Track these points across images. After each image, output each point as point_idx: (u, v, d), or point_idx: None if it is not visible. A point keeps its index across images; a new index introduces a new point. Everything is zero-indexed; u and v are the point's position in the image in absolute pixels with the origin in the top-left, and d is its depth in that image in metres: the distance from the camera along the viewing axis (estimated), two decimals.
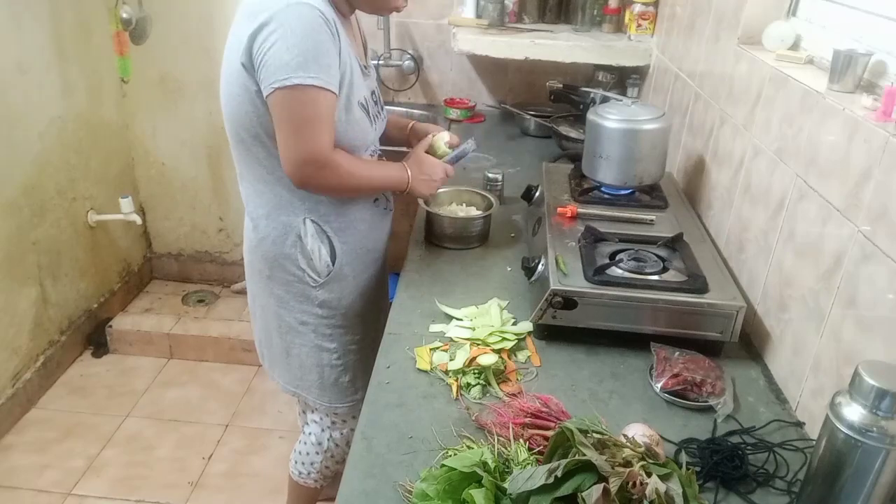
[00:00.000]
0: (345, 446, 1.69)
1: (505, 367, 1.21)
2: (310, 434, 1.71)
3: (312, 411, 1.69)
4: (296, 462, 1.76)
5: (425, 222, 1.68)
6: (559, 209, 1.57)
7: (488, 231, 1.68)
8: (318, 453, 1.70)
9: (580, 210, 1.57)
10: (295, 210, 1.43)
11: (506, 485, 0.88)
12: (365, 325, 1.58)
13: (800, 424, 1.13)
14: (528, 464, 0.95)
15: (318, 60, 1.24)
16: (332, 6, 1.32)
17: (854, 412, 0.82)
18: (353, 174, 1.37)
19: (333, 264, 1.47)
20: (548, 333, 1.31)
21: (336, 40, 1.27)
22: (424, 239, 1.66)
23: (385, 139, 1.64)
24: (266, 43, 1.23)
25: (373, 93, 1.46)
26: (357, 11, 1.45)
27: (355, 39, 1.45)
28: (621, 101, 1.71)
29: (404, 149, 1.65)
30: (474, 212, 1.67)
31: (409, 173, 1.47)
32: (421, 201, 1.67)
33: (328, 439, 1.68)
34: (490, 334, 1.28)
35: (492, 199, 1.70)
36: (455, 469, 0.91)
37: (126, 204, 2.67)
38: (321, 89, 1.24)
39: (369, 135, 1.43)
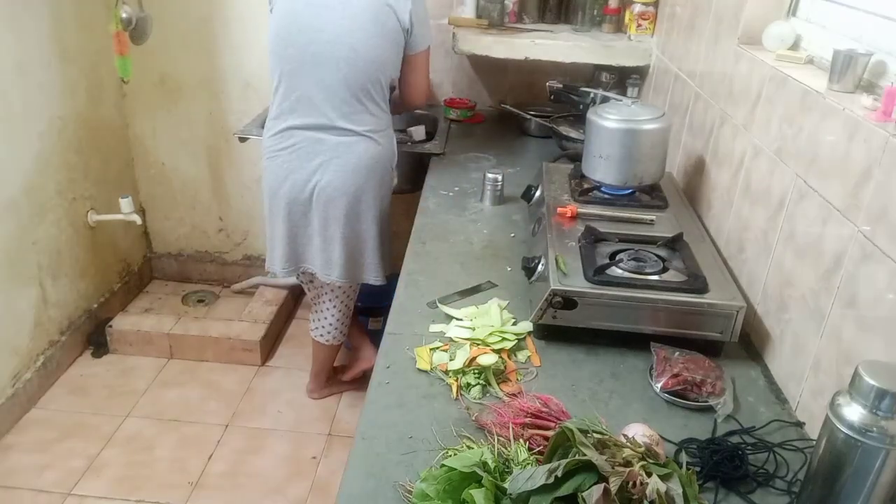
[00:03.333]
0: (349, 308, 2.32)
1: (505, 367, 1.21)
2: (334, 307, 2.27)
3: (339, 287, 2.20)
4: (327, 332, 2.31)
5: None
6: (559, 209, 1.57)
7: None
8: (342, 319, 2.30)
9: (580, 210, 1.57)
10: (390, 133, 2.03)
11: (506, 485, 0.88)
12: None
13: (800, 424, 1.13)
14: (528, 464, 0.95)
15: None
16: None
17: (854, 412, 0.82)
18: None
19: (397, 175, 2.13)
20: (548, 333, 1.31)
21: None
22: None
23: None
24: (416, 16, 1.88)
25: None
26: None
27: None
28: (621, 101, 1.71)
29: None
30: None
31: None
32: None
33: (347, 307, 2.29)
34: (490, 334, 1.28)
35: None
36: (455, 469, 0.91)
37: (126, 204, 2.67)
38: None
39: None
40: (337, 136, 1.92)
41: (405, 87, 2.02)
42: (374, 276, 2.13)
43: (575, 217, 1.55)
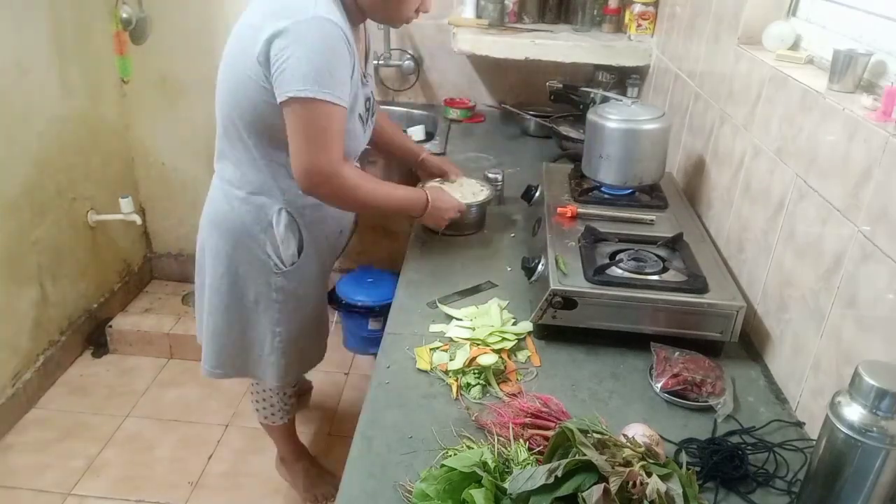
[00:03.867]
0: (287, 395, 1.91)
1: (505, 367, 1.21)
2: (257, 384, 1.88)
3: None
4: (259, 412, 1.94)
5: None
6: (559, 209, 1.57)
7: (484, 219, 1.73)
8: (271, 396, 1.89)
9: (580, 210, 1.57)
10: (274, 197, 1.51)
11: (506, 485, 0.88)
12: (311, 315, 1.70)
13: (800, 424, 1.13)
14: (528, 464, 0.95)
15: (334, 76, 1.30)
16: (345, 17, 1.35)
17: (854, 412, 0.82)
18: (361, 189, 1.43)
19: (299, 256, 1.58)
20: (548, 333, 1.31)
21: (351, 57, 1.34)
22: (423, 227, 1.69)
23: (385, 152, 1.78)
24: (286, 51, 1.28)
25: (367, 99, 1.52)
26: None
27: (359, 47, 1.46)
28: (621, 101, 1.71)
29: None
30: (471, 198, 1.70)
31: (429, 202, 1.55)
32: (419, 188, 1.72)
33: (266, 390, 1.87)
34: (490, 334, 1.28)
35: (489, 188, 1.76)
36: (455, 469, 0.91)
37: (126, 204, 2.67)
38: (335, 105, 1.31)
39: (361, 142, 1.52)
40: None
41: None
42: (206, 369, 1.73)
43: (575, 217, 1.55)
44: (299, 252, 1.57)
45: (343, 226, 1.71)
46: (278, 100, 1.31)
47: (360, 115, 1.46)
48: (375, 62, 2.62)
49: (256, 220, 1.52)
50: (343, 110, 1.34)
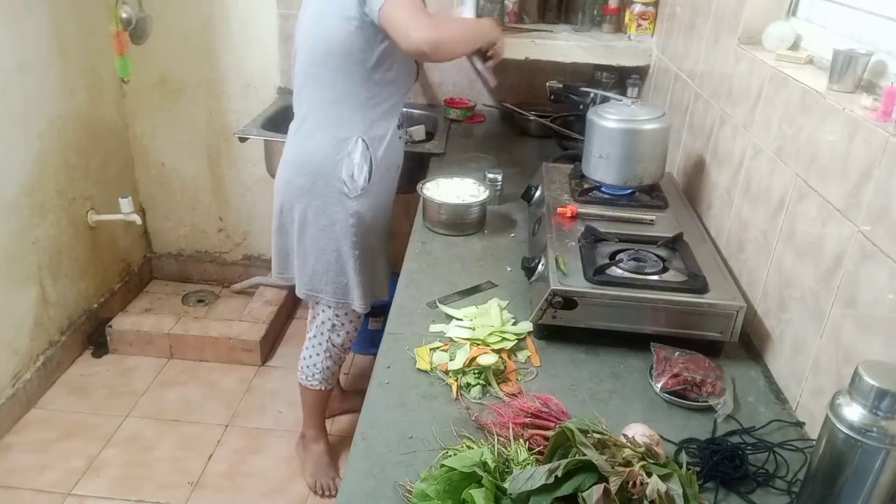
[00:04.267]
0: (341, 349, 2.01)
1: (505, 367, 1.21)
2: (313, 337, 2.01)
3: (320, 313, 1.97)
4: (302, 368, 2.05)
5: (423, 209, 1.73)
6: (559, 209, 1.57)
7: (484, 219, 1.73)
8: (318, 354, 2.01)
9: (580, 210, 1.57)
10: (353, 128, 1.74)
11: (506, 485, 0.88)
12: (383, 239, 1.91)
13: (800, 424, 1.13)
14: (528, 464, 0.95)
15: None
16: None
17: (854, 412, 0.82)
18: (454, 33, 1.68)
19: (370, 181, 1.77)
20: (548, 333, 1.31)
21: None
22: (424, 226, 1.71)
23: None
24: None
25: None
26: None
27: None
28: (621, 101, 1.71)
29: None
30: (469, 199, 1.70)
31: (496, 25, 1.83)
32: (419, 188, 1.76)
33: (327, 341, 1.98)
34: (490, 334, 1.28)
35: (489, 188, 1.78)
36: (455, 469, 0.91)
37: (126, 204, 2.67)
38: None
39: (413, 77, 1.82)
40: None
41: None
42: (329, 299, 1.91)
43: (575, 217, 1.55)
44: (370, 177, 1.77)
45: (399, 161, 1.90)
46: (374, 14, 1.56)
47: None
48: None
49: (336, 151, 1.74)
50: None
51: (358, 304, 1.89)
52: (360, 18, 1.60)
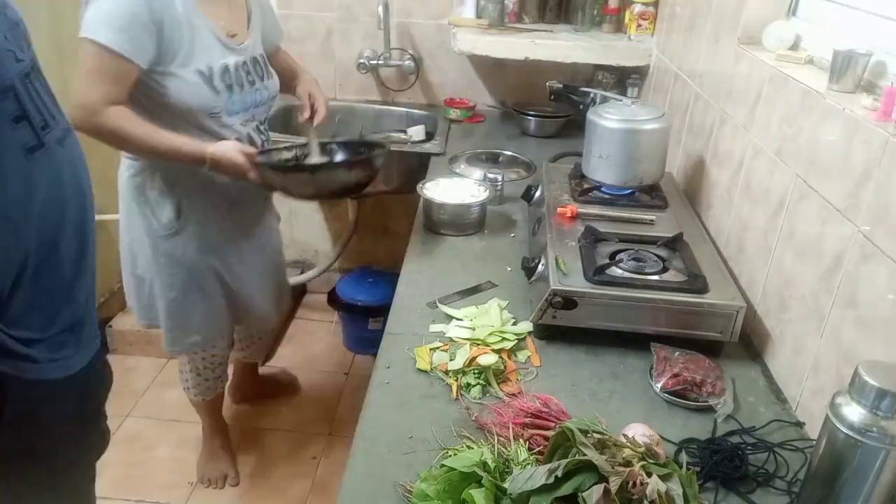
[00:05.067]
0: (200, 368, 1.98)
1: (505, 367, 1.21)
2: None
3: None
4: (182, 384, 2.06)
5: (423, 209, 1.73)
6: (559, 209, 1.57)
7: (484, 219, 1.72)
8: (183, 371, 2.02)
9: (580, 210, 1.57)
10: (148, 160, 1.63)
11: (506, 485, 0.88)
12: (203, 286, 1.76)
13: (800, 424, 1.13)
14: (528, 464, 0.95)
15: (115, 20, 1.39)
16: None
17: (854, 412, 0.82)
18: (124, 131, 1.49)
19: (178, 221, 1.66)
20: (548, 333, 1.31)
21: (161, 12, 1.43)
22: (423, 226, 1.70)
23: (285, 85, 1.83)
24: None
25: (243, 64, 1.60)
26: None
27: (227, 11, 1.60)
28: (621, 101, 1.72)
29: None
30: (469, 199, 1.70)
31: (210, 156, 1.52)
32: (419, 188, 1.74)
33: (182, 363, 1.99)
34: (490, 334, 1.28)
35: (489, 188, 1.76)
36: (455, 469, 0.91)
37: None
38: (100, 45, 1.39)
39: (210, 101, 1.54)
40: None
41: None
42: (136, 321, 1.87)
43: (575, 217, 1.55)
44: (178, 217, 1.66)
45: (235, 199, 1.72)
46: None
47: (200, 71, 1.51)
48: (375, 62, 2.62)
49: (140, 184, 1.66)
50: (117, 58, 1.40)
51: (165, 345, 1.84)
52: None
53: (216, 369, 2.02)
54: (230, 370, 2.17)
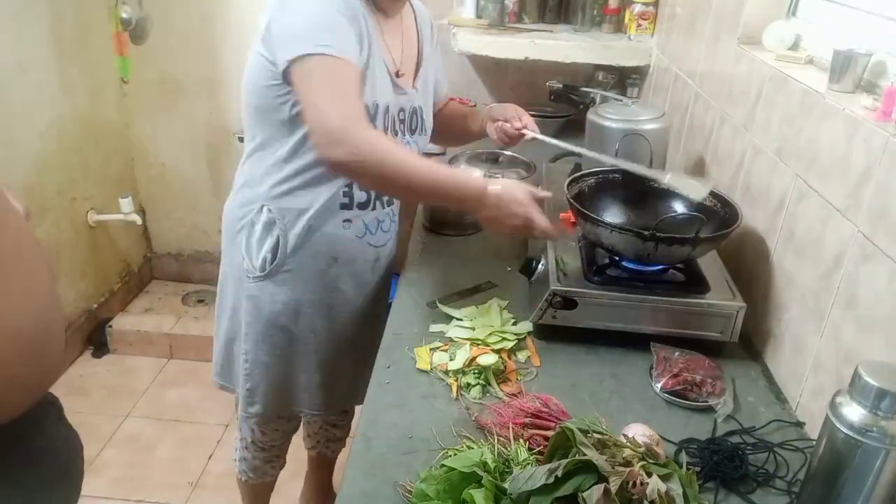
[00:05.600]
0: (251, 443, 1.69)
1: (505, 367, 1.21)
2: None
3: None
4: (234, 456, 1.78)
5: (423, 209, 1.73)
6: (561, 215, 1.55)
7: None
8: (237, 440, 1.73)
9: None
10: (258, 191, 1.38)
11: (506, 485, 0.88)
12: (293, 348, 1.47)
13: (800, 424, 1.13)
14: (528, 464, 0.95)
15: (333, 31, 1.20)
16: (371, 3, 1.30)
17: (854, 412, 0.82)
18: (382, 151, 1.17)
19: (273, 262, 1.39)
20: (548, 333, 1.31)
21: (356, 22, 1.24)
22: (423, 226, 1.70)
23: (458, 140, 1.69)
24: (277, 14, 1.22)
25: (401, 110, 1.38)
26: (416, 20, 1.45)
27: (400, 45, 1.38)
28: (621, 101, 1.72)
29: None
30: None
31: (488, 193, 1.24)
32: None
33: (239, 429, 1.69)
34: (490, 334, 1.28)
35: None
36: (455, 469, 0.91)
37: (126, 204, 2.67)
38: (337, 59, 1.18)
39: None
40: None
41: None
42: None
43: (576, 222, 1.54)
44: (273, 257, 1.39)
45: (339, 253, 1.42)
46: (279, 68, 1.22)
47: (369, 107, 1.27)
48: None
49: (242, 216, 1.41)
50: (352, 65, 1.20)
51: (239, 409, 1.58)
52: (265, 55, 1.26)
53: (267, 451, 1.71)
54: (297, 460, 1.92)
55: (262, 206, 1.38)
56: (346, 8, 1.23)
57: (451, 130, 1.61)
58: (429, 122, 1.46)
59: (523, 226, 1.26)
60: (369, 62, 1.28)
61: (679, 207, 1.39)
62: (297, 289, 1.42)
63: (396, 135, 1.38)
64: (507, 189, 1.25)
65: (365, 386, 1.21)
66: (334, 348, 1.50)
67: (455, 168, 1.39)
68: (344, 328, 1.50)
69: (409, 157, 1.24)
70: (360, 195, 1.38)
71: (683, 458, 1.03)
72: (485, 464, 0.92)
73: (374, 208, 1.41)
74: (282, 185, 1.36)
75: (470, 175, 1.37)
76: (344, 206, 1.38)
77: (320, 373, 1.51)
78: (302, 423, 1.85)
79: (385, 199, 1.43)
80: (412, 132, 1.42)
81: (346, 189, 1.37)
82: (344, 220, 1.39)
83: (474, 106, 2.65)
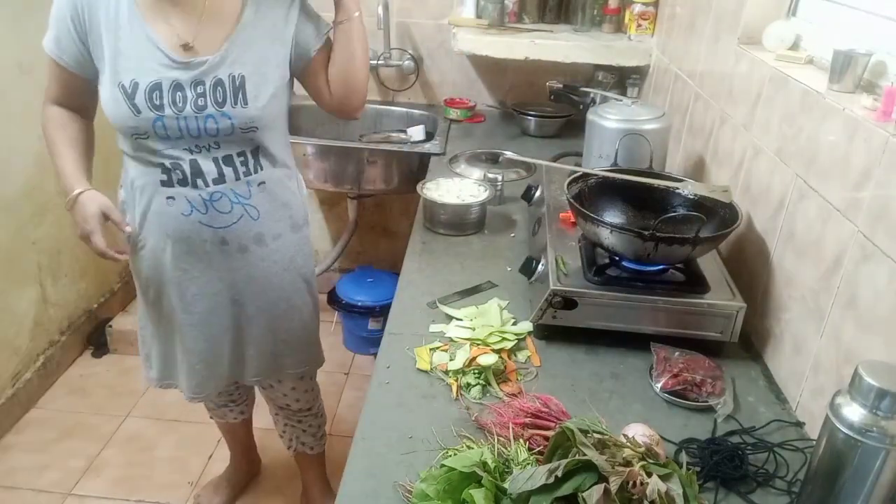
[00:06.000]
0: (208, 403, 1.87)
1: (505, 367, 1.21)
2: None
3: None
4: None
5: (423, 209, 1.73)
6: (561, 215, 1.56)
7: (484, 219, 1.72)
8: None
9: None
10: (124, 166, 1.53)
11: (506, 485, 0.88)
12: (160, 312, 1.56)
13: (800, 424, 1.13)
14: (528, 464, 0.95)
15: (54, 29, 1.34)
16: None
17: (854, 412, 0.82)
18: (45, 131, 1.47)
19: (129, 239, 1.51)
20: (548, 333, 1.31)
21: (88, 11, 1.31)
22: (423, 226, 1.70)
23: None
24: None
25: (192, 84, 1.32)
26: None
27: (191, 18, 1.33)
28: (621, 101, 1.72)
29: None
30: (469, 199, 1.69)
31: (73, 202, 1.45)
32: (420, 188, 1.72)
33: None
34: (490, 334, 1.28)
35: (489, 188, 1.75)
36: (455, 469, 0.91)
37: None
38: (46, 54, 1.37)
39: (128, 120, 1.34)
40: None
41: None
42: None
43: (576, 221, 1.55)
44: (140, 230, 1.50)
45: (170, 231, 1.45)
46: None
47: (122, 85, 1.30)
48: (374, 62, 2.62)
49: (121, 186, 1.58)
50: (50, 60, 1.37)
51: (147, 374, 1.70)
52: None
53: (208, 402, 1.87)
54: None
55: (120, 185, 1.53)
56: (71, 9, 1.31)
57: (337, 66, 1.45)
58: (253, 92, 1.35)
59: (82, 236, 1.46)
60: (120, 46, 1.32)
61: (679, 208, 1.39)
62: (151, 266, 1.51)
63: (194, 109, 1.32)
64: (83, 202, 1.43)
65: (235, 369, 1.59)
66: (194, 328, 1.54)
67: (70, 160, 1.47)
68: (190, 309, 1.52)
69: (50, 138, 1.47)
70: (176, 173, 1.39)
71: (683, 458, 1.04)
72: (485, 464, 0.92)
73: (195, 186, 1.39)
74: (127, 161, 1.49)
75: (78, 177, 1.46)
76: (164, 183, 1.41)
77: (182, 350, 1.58)
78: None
79: (211, 178, 1.39)
80: (218, 104, 1.33)
81: (162, 164, 1.39)
82: (167, 198, 1.42)
83: (473, 106, 2.65)
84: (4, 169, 2.23)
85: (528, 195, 1.78)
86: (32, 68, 2.30)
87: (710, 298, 1.25)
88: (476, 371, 1.18)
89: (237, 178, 1.41)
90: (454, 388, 1.17)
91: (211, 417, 1.98)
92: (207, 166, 1.38)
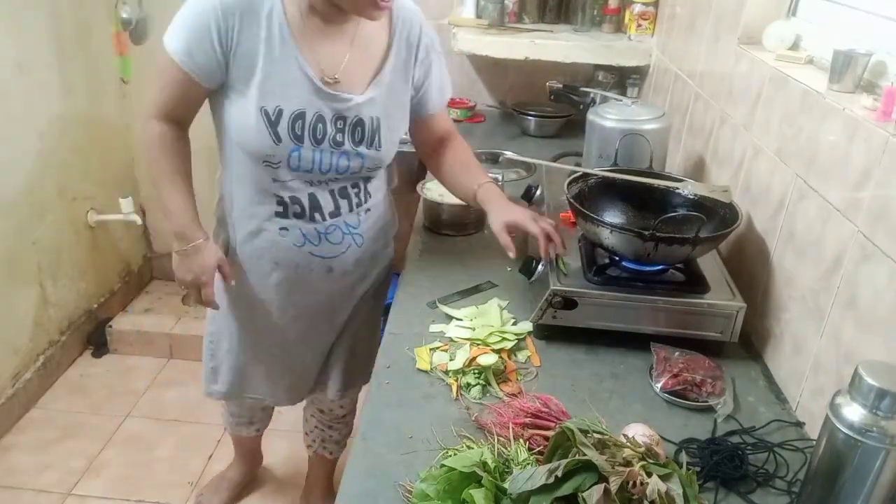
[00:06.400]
0: (229, 418, 1.92)
1: (505, 367, 1.21)
2: None
3: None
4: None
5: (423, 209, 1.74)
6: (562, 215, 1.56)
7: (484, 219, 1.70)
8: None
9: None
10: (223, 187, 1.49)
11: (506, 485, 0.88)
12: (246, 329, 1.57)
13: (800, 424, 1.13)
14: (528, 464, 0.95)
15: (184, 31, 1.25)
16: (303, 5, 1.26)
17: (854, 412, 0.82)
18: (148, 151, 1.39)
19: (227, 253, 1.47)
20: (548, 333, 1.31)
21: (236, 29, 1.23)
22: (423, 226, 1.71)
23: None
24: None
25: (338, 118, 1.31)
26: (391, 27, 1.37)
27: (342, 51, 1.31)
28: (621, 101, 1.72)
29: None
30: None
31: (180, 252, 1.39)
32: (420, 188, 1.72)
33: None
34: (490, 334, 1.28)
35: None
36: (455, 469, 0.91)
37: (126, 204, 2.67)
38: (168, 57, 1.27)
39: (265, 148, 1.29)
40: None
41: None
42: None
43: (576, 221, 1.55)
44: (226, 248, 1.47)
45: (279, 259, 1.42)
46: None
47: (265, 111, 1.26)
48: None
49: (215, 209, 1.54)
50: (174, 65, 1.27)
51: (209, 387, 1.72)
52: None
53: (235, 417, 1.91)
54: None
55: (219, 201, 1.50)
56: (220, 13, 1.22)
57: (443, 177, 1.57)
58: (387, 136, 1.38)
59: (190, 283, 1.41)
60: (269, 70, 1.26)
61: (679, 208, 1.39)
62: (249, 287, 1.48)
63: (332, 145, 1.31)
64: (205, 253, 1.39)
65: (319, 380, 1.58)
66: (278, 346, 1.57)
67: (184, 203, 1.42)
68: (285, 329, 1.54)
69: (168, 166, 1.40)
70: (294, 206, 1.37)
71: (683, 458, 1.04)
72: (485, 464, 0.92)
73: (312, 220, 1.38)
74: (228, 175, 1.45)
75: (197, 222, 1.42)
76: (279, 214, 1.38)
77: (264, 365, 1.61)
78: (302, 421, 1.95)
79: (328, 211, 1.38)
80: (355, 143, 1.34)
81: (280, 197, 1.36)
82: (281, 228, 1.39)
83: (473, 106, 2.65)
84: (4, 169, 2.23)
85: (528, 195, 1.78)
86: (32, 68, 2.30)
87: (710, 298, 1.25)
88: (476, 371, 1.18)
89: (350, 210, 1.42)
90: (454, 388, 1.17)
91: (225, 429, 2.00)
92: (325, 199, 1.38)
